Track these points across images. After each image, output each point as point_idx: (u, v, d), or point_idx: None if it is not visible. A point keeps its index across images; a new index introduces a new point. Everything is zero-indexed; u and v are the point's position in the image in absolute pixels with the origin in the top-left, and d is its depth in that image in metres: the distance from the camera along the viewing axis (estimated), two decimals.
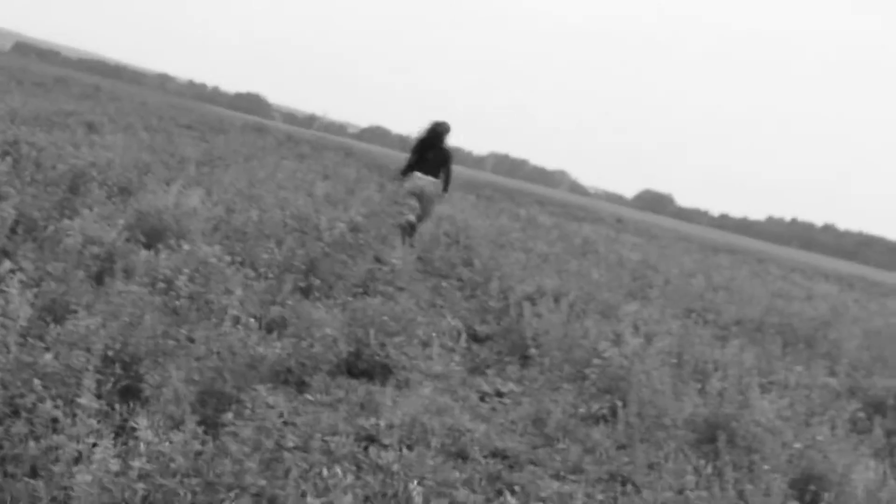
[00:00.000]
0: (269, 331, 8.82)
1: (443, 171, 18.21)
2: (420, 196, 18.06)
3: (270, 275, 10.93)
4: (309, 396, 7.80)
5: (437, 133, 18.22)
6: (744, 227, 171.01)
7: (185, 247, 10.02)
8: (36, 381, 5.48)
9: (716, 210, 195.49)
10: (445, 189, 18.50)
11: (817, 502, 7.48)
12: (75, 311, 7.18)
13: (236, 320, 7.83)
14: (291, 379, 8.06)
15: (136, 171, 16.06)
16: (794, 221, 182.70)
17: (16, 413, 5.33)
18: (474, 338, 11.79)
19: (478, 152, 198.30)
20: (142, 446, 5.05)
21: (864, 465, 7.97)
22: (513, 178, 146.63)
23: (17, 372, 5.65)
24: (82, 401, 5.11)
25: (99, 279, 8.93)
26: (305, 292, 11.13)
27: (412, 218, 17.82)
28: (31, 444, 5.03)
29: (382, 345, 9.21)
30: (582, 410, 9.00)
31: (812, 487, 7.61)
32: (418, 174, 18.07)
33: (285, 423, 6.72)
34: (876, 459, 8.61)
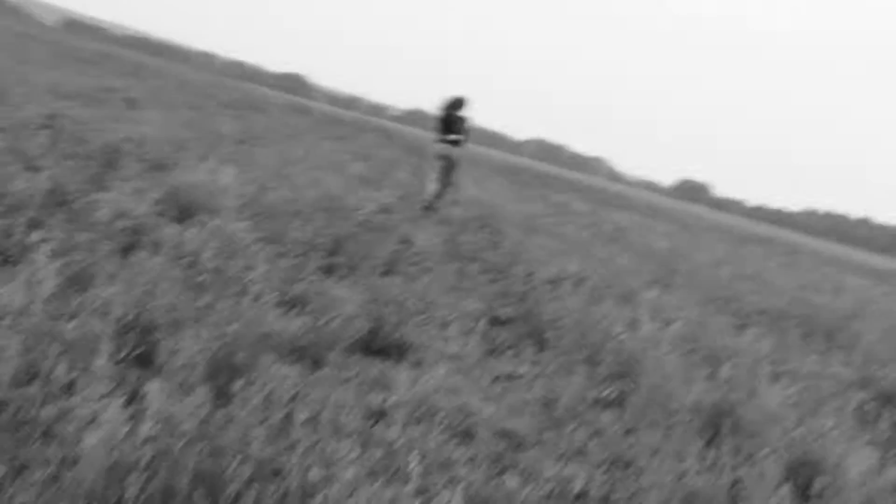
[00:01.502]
0: (290, 307, 9.01)
1: (463, 134, 21.00)
2: (447, 159, 20.84)
3: (296, 253, 11.10)
4: (323, 372, 7.94)
5: (455, 106, 21.02)
6: (780, 218, 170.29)
7: (214, 222, 10.23)
8: (54, 346, 5.69)
9: (753, 200, 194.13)
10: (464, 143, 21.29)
11: (810, 487, 7.61)
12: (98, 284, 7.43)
13: (257, 296, 8.06)
14: (307, 355, 8.23)
15: (172, 147, 16.29)
16: (828, 214, 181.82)
17: (35, 377, 5.55)
18: (495, 321, 11.88)
19: (517, 137, 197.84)
20: (151, 410, 5.26)
21: (862, 453, 8.09)
22: (551, 163, 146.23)
23: (40, 337, 5.86)
24: (97, 364, 5.32)
25: (127, 252, 9.14)
26: (330, 271, 11.30)
27: (430, 196, 20.43)
28: (46, 407, 5.21)
29: (400, 323, 9.37)
30: (592, 394, 9.12)
31: (807, 472, 7.73)
32: (445, 145, 20.96)
33: (297, 395, 6.91)
34: (877, 449, 8.71)
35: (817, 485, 7.49)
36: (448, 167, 20.82)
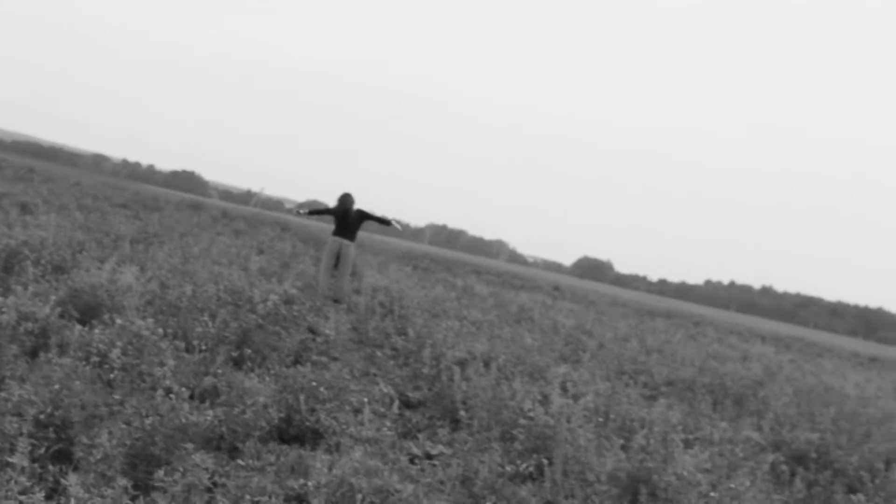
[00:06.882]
0: (202, 400, 8.97)
1: (360, 227, 21.79)
2: (340, 255, 21.28)
3: (203, 347, 11.06)
4: (240, 461, 7.91)
5: (345, 203, 21.63)
6: (682, 291, 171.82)
7: (119, 321, 10.16)
8: None
9: (655, 276, 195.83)
10: (388, 223, 21.82)
11: None
12: (9, 385, 7.37)
13: (168, 390, 8.02)
14: (223, 445, 8.21)
15: (69, 249, 16.17)
16: (732, 285, 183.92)
17: None
18: (407, 404, 11.92)
19: (415, 224, 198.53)
20: (72, 503, 5.20)
21: None
22: (451, 249, 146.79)
23: None
24: (14, 461, 5.27)
25: (34, 354, 9.08)
26: (238, 363, 11.27)
27: (324, 286, 21.13)
28: None
29: (313, 410, 9.37)
30: (509, 469, 9.14)
31: None
32: (337, 238, 21.41)
33: (216, 484, 6.88)
34: None
35: None
36: (341, 258, 21.26)
